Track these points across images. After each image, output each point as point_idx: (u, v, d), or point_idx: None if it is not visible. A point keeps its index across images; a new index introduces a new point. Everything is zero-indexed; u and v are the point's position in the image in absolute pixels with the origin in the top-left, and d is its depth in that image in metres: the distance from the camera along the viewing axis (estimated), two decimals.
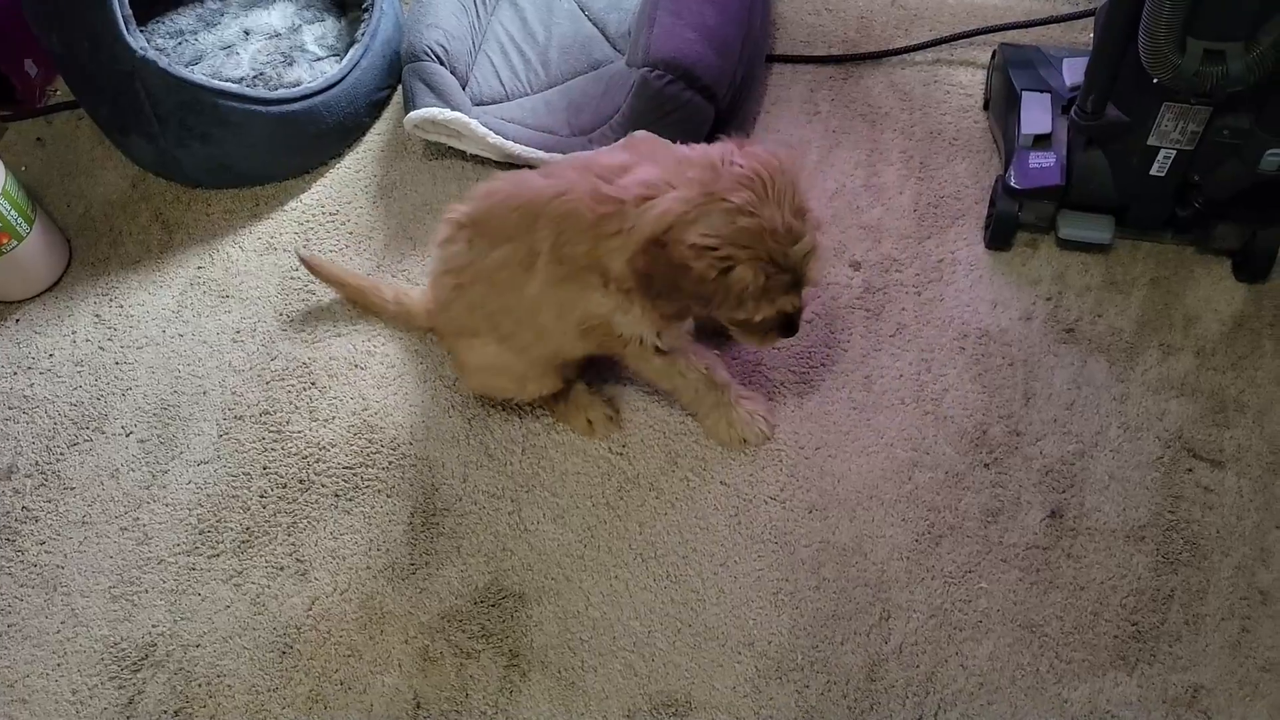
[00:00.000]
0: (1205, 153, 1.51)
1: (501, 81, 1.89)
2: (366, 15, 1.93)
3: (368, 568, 1.49)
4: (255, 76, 1.91)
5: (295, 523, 1.54)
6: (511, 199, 1.37)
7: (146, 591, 1.50)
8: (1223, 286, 1.64)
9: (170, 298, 1.78)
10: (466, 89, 1.85)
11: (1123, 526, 1.45)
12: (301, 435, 1.61)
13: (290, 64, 1.94)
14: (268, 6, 2.03)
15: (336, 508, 1.54)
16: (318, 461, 1.58)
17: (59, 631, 1.48)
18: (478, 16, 1.94)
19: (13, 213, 1.71)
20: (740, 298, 1.27)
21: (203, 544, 1.53)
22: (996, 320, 1.64)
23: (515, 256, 1.36)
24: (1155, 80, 1.42)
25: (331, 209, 1.86)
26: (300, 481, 1.57)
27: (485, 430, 1.59)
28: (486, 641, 1.43)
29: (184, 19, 2.00)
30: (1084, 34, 1.92)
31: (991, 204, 1.70)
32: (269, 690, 1.41)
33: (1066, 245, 1.68)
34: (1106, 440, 1.52)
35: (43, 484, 1.61)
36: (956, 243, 1.72)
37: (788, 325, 1.36)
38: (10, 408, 1.68)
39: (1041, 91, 1.67)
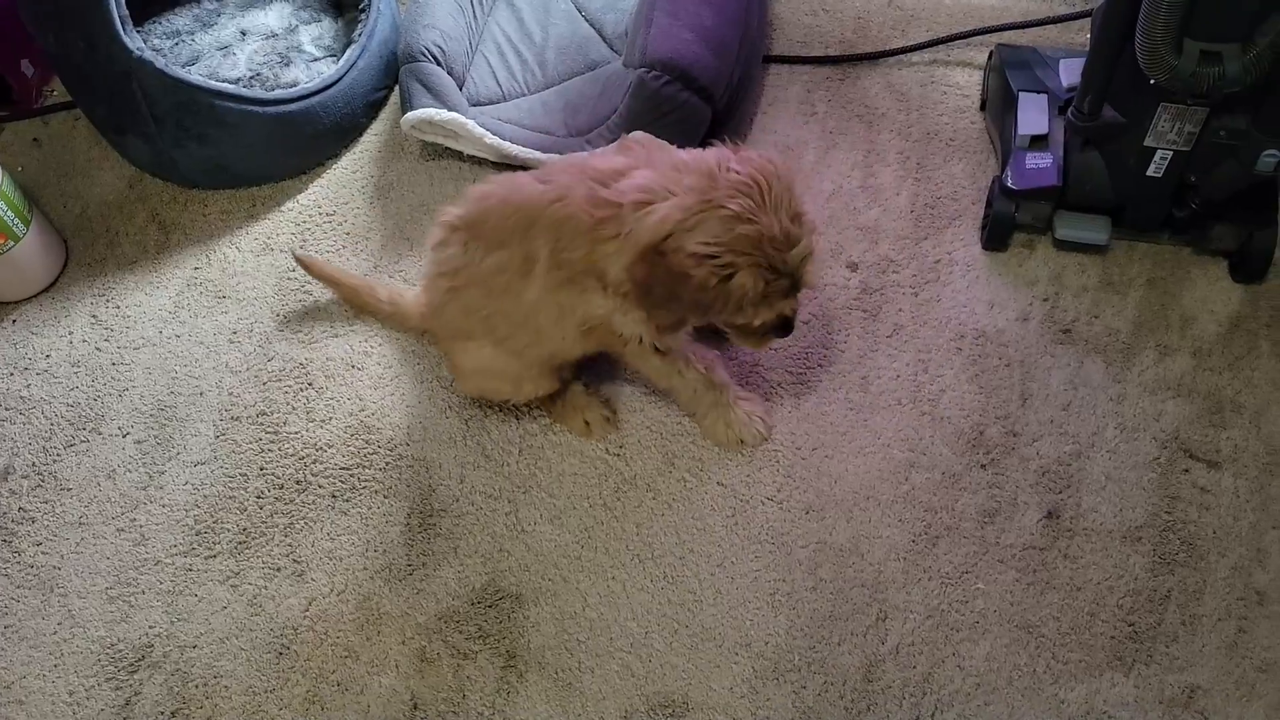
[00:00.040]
0: (1202, 153, 1.51)
1: (498, 82, 1.89)
2: (363, 16, 1.93)
3: (365, 568, 1.49)
4: (252, 77, 1.91)
5: (292, 524, 1.53)
6: (507, 203, 1.36)
7: (143, 593, 1.50)
8: (1219, 287, 1.64)
9: (167, 298, 1.78)
10: (463, 90, 1.85)
11: (1119, 527, 1.45)
12: (298, 436, 1.61)
13: (287, 64, 1.94)
14: (264, 7, 2.03)
15: (333, 509, 1.54)
16: (315, 462, 1.58)
17: (55, 633, 1.48)
18: (474, 17, 1.93)
19: (9, 213, 1.71)
20: (740, 304, 1.27)
21: (199, 545, 1.53)
22: (993, 321, 1.64)
23: (512, 261, 1.36)
24: (1152, 81, 1.42)
25: (328, 209, 1.85)
26: (297, 482, 1.57)
27: (482, 431, 1.59)
28: (483, 642, 1.42)
29: (181, 19, 2.00)
30: (1081, 35, 1.92)
31: (988, 205, 1.70)
32: (266, 691, 1.41)
33: (1063, 246, 1.68)
34: (1103, 441, 1.52)
35: (39, 485, 1.60)
36: (953, 243, 1.72)
37: (784, 327, 1.37)
38: (6, 409, 1.68)
39: (1038, 92, 1.67)
